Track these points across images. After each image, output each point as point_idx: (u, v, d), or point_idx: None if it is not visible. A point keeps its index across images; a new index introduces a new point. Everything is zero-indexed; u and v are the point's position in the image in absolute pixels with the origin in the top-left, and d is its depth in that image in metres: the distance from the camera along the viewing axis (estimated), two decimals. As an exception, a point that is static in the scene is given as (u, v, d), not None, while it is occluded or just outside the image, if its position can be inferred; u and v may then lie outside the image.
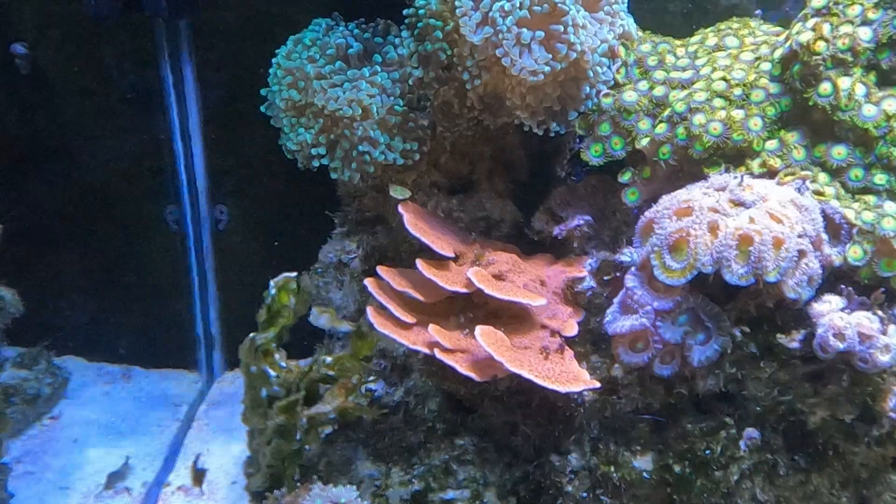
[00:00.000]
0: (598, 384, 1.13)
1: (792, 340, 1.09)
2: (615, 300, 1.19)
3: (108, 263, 1.93)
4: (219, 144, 1.83)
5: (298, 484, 1.32)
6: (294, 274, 1.45)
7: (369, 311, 1.22)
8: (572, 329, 1.22)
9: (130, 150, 1.83)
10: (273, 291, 1.39)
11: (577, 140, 1.49)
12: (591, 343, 1.29)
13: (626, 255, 1.22)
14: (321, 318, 1.43)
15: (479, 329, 1.13)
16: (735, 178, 1.10)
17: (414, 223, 1.28)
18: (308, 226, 1.69)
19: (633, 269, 1.13)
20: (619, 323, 1.12)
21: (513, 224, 1.47)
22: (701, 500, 1.21)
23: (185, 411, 1.86)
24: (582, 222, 1.30)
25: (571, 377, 1.11)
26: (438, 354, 1.13)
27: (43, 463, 1.65)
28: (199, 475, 1.68)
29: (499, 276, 1.25)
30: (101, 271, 1.93)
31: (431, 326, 1.16)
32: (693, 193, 1.12)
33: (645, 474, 1.22)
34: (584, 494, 1.25)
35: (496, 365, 1.14)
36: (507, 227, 1.45)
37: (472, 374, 1.11)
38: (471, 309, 1.27)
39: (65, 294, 1.93)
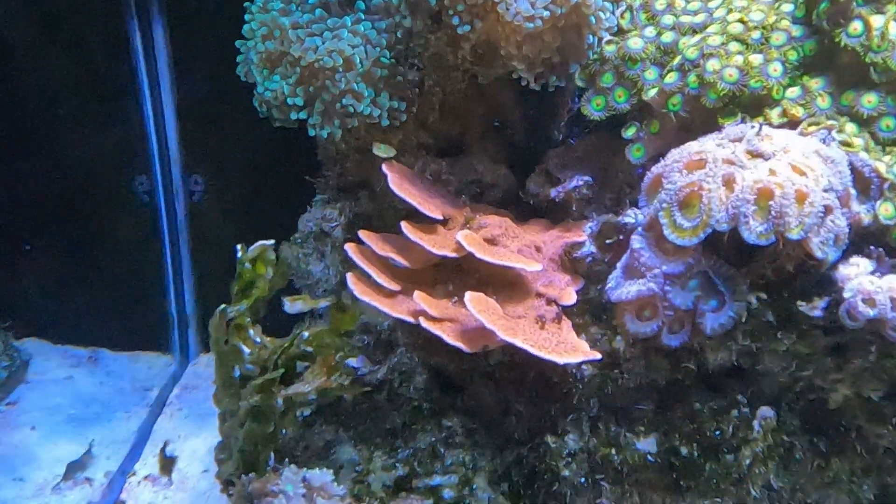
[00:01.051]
0: (598, 355, 1.02)
1: (814, 308, 0.99)
2: (618, 265, 1.08)
3: (73, 238, 1.80)
4: (193, 109, 1.71)
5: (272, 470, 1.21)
6: (271, 242, 1.33)
7: (349, 277, 1.11)
8: (570, 297, 1.12)
9: (95, 115, 1.69)
10: (246, 257, 1.28)
11: (576, 99, 1.38)
12: (591, 314, 1.18)
13: (630, 216, 1.11)
14: (296, 305, 1.31)
15: (468, 295, 1.03)
16: (752, 127, 1.00)
17: (399, 183, 1.17)
18: (290, 197, 1.57)
19: (639, 229, 1.02)
20: (624, 289, 1.02)
21: (506, 189, 1.36)
22: (709, 486, 1.11)
23: (156, 396, 1.74)
24: (581, 183, 1.20)
25: (570, 348, 1.00)
26: (424, 323, 1.02)
27: (-4, 451, 1.54)
28: (167, 463, 1.57)
29: (491, 241, 1.15)
30: (66, 247, 1.80)
31: (417, 293, 1.06)
32: (706, 145, 1.01)
33: (649, 457, 1.12)
34: (583, 480, 1.14)
35: (487, 334, 1.03)
36: (499, 191, 1.35)
37: (461, 345, 1.01)
38: (460, 276, 1.16)
39: (25, 272, 1.80)
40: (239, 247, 1.30)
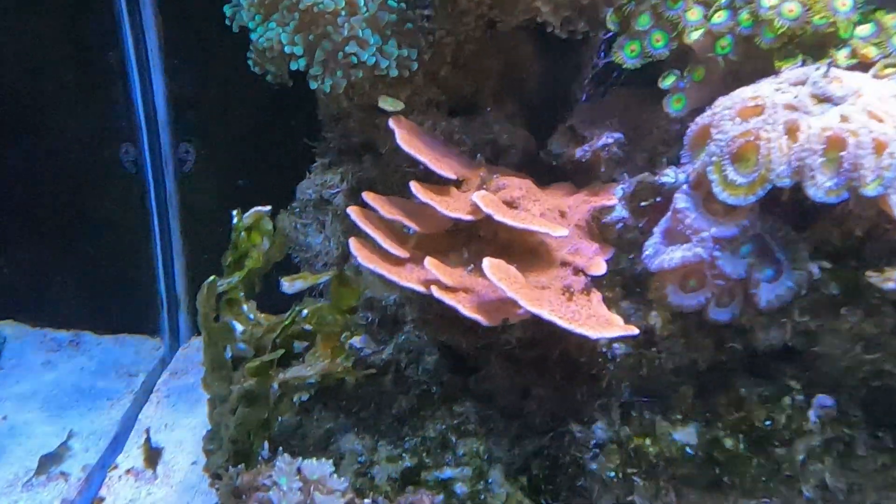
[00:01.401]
0: (635, 330, 0.89)
1: (888, 280, 0.86)
2: (656, 230, 0.95)
3: (52, 213, 1.67)
4: (182, 72, 1.57)
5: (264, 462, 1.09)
6: (267, 208, 1.20)
7: (352, 243, 0.99)
8: (599, 267, 0.99)
9: (77, 79, 1.56)
10: (241, 225, 1.15)
11: (602, 53, 1.25)
12: (622, 287, 1.05)
13: (669, 175, 0.98)
14: (296, 284, 1.18)
15: (487, 261, 0.90)
16: (817, 68, 0.87)
17: (408, 140, 1.04)
18: (287, 164, 1.44)
19: (683, 187, 0.89)
20: (665, 255, 0.89)
21: (524, 151, 1.23)
22: (757, 483, 0.98)
23: (142, 382, 1.62)
24: (611, 141, 1.07)
25: (603, 321, 0.88)
26: (437, 293, 0.90)
27: (-40, 445, 1.41)
28: (152, 455, 1.44)
29: (510, 204, 1.02)
30: (45, 222, 1.67)
31: (428, 260, 0.93)
32: (762, 89, 0.88)
33: (688, 450, 0.99)
34: (612, 474, 1.01)
35: (508, 304, 0.90)
36: (517, 154, 1.22)
37: (479, 317, 0.88)
38: (476, 244, 1.03)
39: (5, 254, 1.67)
40: (235, 213, 1.17)
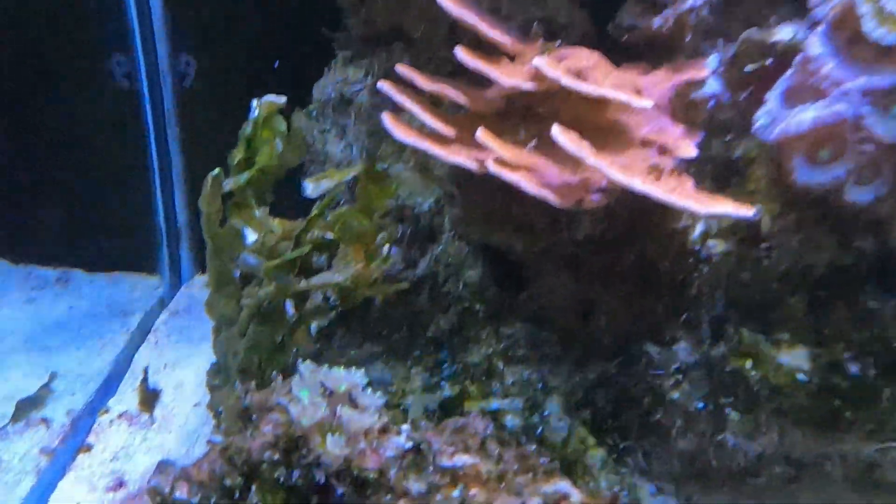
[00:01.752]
0: (751, 210, 0.70)
1: None
2: (772, 94, 0.75)
3: (35, 135, 1.47)
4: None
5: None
6: (282, 99, 1.02)
7: (386, 117, 0.80)
8: (689, 149, 0.80)
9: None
10: (261, 114, 0.96)
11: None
12: (713, 178, 0.86)
13: (785, 31, 0.79)
14: (322, 185, 0.99)
15: (556, 127, 0.72)
16: None
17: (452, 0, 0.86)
18: (303, 72, 1.25)
19: (822, 27, 0.70)
20: (792, 119, 0.70)
21: (584, 34, 1.03)
22: (888, 423, 0.79)
23: (139, 321, 1.43)
24: (700, 2, 0.88)
25: (707, 198, 0.69)
26: (495, 168, 0.71)
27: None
28: (149, 398, 1.27)
29: (577, 75, 0.83)
30: (27, 147, 1.48)
31: (482, 131, 0.75)
32: None
33: (801, 376, 0.81)
34: (701, 405, 0.83)
35: (583, 182, 0.72)
36: (576, 35, 1.02)
37: (548, 195, 0.70)
38: (532, 124, 0.84)
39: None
40: (255, 102, 0.98)
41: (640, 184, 0.66)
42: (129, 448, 1.15)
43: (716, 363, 0.82)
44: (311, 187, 0.98)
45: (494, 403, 0.90)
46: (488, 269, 0.95)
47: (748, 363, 0.80)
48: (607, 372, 0.88)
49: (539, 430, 0.84)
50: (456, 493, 0.63)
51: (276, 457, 0.62)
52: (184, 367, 1.32)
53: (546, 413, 0.88)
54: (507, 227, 0.84)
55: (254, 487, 0.63)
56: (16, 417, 1.18)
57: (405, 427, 0.71)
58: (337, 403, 0.64)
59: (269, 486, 0.63)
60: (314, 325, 1.07)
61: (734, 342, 0.80)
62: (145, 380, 1.27)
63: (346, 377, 0.64)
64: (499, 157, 0.72)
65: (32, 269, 1.56)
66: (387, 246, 0.92)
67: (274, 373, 0.96)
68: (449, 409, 0.89)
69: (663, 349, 0.83)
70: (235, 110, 1.44)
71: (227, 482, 0.62)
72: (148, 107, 1.45)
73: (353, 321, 1.01)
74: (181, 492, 0.64)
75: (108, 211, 1.53)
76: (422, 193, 1.00)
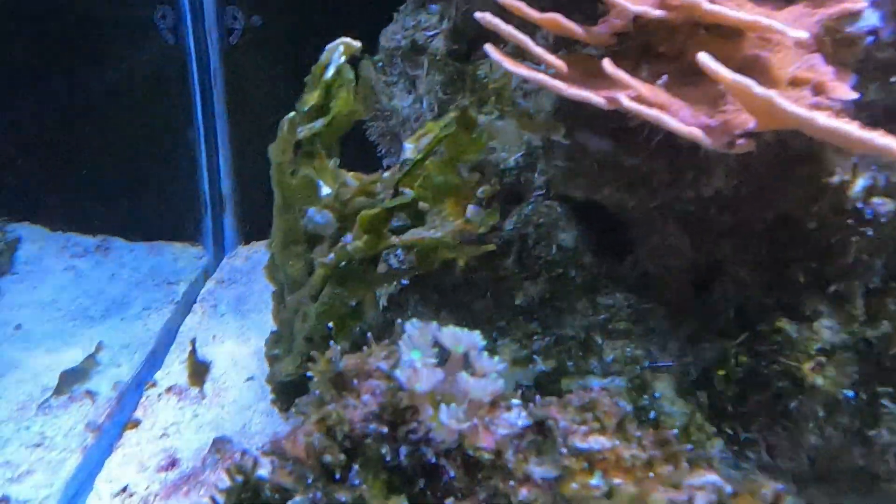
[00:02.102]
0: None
1: None
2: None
3: (75, 95, 1.40)
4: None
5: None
6: (357, 43, 0.92)
7: (488, 48, 0.71)
8: (844, 91, 0.69)
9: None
10: (336, 60, 0.86)
11: None
12: (871, 123, 0.75)
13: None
14: (423, 142, 0.87)
15: (704, 55, 0.61)
16: None
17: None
18: (366, 25, 1.15)
19: None
20: None
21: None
22: None
23: (184, 291, 1.36)
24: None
25: (886, 134, 0.59)
26: (629, 103, 0.61)
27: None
28: (199, 370, 1.19)
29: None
30: (64, 105, 1.39)
31: (607, 62, 0.65)
32: None
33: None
34: (850, 393, 0.72)
35: (727, 119, 0.61)
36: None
37: (699, 135, 0.59)
38: (653, 64, 0.74)
39: (15, 140, 1.40)
40: (329, 46, 0.88)
41: (822, 119, 0.55)
42: (179, 424, 1.07)
43: (872, 345, 0.71)
44: (410, 147, 0.88)
45: (594, 382, 0.81)
46: (585, 231, 0.85)
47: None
48: (729, 351, 0.78)
49: (652, 414, 0.75)
50: (595, 480, 0.53)
51: (384, 429, 0.53)
52: (233, 338, 1.25)
53: (657, 395, 0.78)
54: (619, 180, 0.74)
55: (356, 466, 0.54)
56: (59, 390, 1.11)
57: (515, 401, 0.62)
58: (454, 368, 0.55)
59: (373, 466, 0.54)
60: (381, 293, 0.99)
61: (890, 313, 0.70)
62: (194, 352, 1.20)
63: (465, 337, 0.55)
64: (633, 90, 0.62)
65: (71, 236, 1.50)
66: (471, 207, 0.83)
67: (347, 344, 0.88)
68: (545, 386, 0.79)
69: (803, 326, 0.73)
70: (284, 66, 1.37)
71: (327, 459, 0.53)
72: (194, 64, 1.37)
73: (428, 288, 0.91)
74: (270, 470, 0.55)
75: (150, 176, 1.45)
76: (507, 148, 0.90)
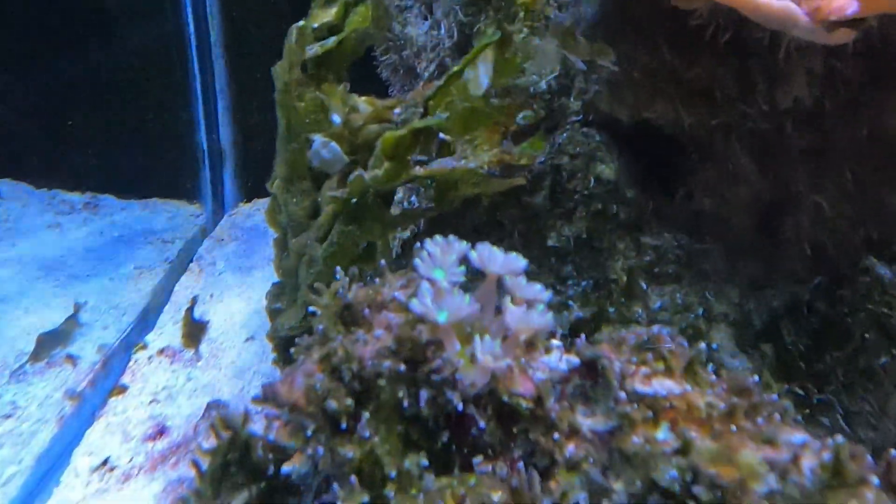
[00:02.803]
0: None
1: None
2: None
3: (60, 40, 1.29)
4: None
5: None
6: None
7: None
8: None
9: None
10: None
11: None
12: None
13: None
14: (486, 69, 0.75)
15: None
16: None
17: None
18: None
19: None
20: None
21: None
22: None
23: (179, 250, 1.26)
24: None
25: None
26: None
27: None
28: (195, 330, 1.09)
29: None
30: (49, 54, 1.28)
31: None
32: None
33: None
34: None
35: (818, 6, 0.51)
36: None
37: (793, 10, 0.48)
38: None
39: None
40: None
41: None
42: (170, 389, 0.97)
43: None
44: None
45: (639, 328, 0.70)
46: (628, 162, 0.74)
47: None
48: (801, 297, 0.67)
49: (711, 368, 0.64)
50: (662, 434, 0.43)
51: (401, 367, 0.43)
52: (232, 297, 1.15)
53: (715, 346, 0.67)
54: (674, 93, 0.63)
55: (366, 414, 0.43)
56: (36, 355, 1.00)
57: (555, 342, 0.51)
58: (488, 294, 0.44)
59: (388, 414, 0.43)
60: (395, 238, 0.88)
61: None
62: (191, 310, 1.10)
63: (502, 257, 0.44)
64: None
65: (56, 192, 1.40)
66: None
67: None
68: (583, 329, 0.68)
69: (889, 265, 0.62)
70: (286, 9, 1.26)
71: (332, 406, 0.43)
72: (188, 8, 1.26)
73: (447, 230, 0.81)
74: (261, 424, 0.45)
75: (143, 129, 1.35)
76: (540, 70, 0.79)
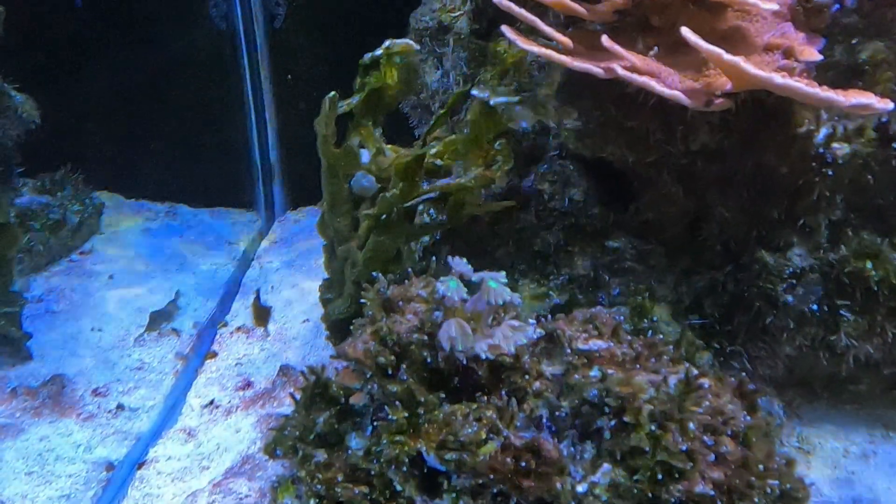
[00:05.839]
0: (889, 103, 0.70)
1: None
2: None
3: (142, 78, 1.57)
4: None
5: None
6: (416, 46, 1.03)
7: (505, 28, 0.83)
8: (812, 53, 0.79)
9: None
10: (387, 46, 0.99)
11: None
12: (832, 85, 0.86)
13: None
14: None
15: (686, 29, 0.73)
16: None
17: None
18: (395, 11, 1.29)
19: None
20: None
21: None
22: None
23: (243, 250, 1.55)
24: None
25: (845, 91, 0.69)
26: (622, 72, 0.73)
27: (70, 301, 1.37)
28: (262, 313, 1.37)
29: (695, -19, 0.83)
30: (134, 88, 1.58)
31: (606, 38, 0.76)
32: None
33: (918, 276, 0.82)
34: (815, 307, 0.85)
35: (710, 82, 0.73)
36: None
37: (681, 96, 0.71)
38: (648, 36, 0.86)
39: (92, 117, 1.60)
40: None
41: (779, 79, 0.66)
42: (250, 355, 1.26)
43: (830, 266, 0.83)
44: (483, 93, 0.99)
45: (602, 311, 0.94)
46: (593, 186, 0.98)
47: (868, 264, 0.81)
48: (716, 280, 0.91)
49: (650, 333, 0.88)
50: (593, 372, 0.67)
51: (425, 337, 0.68)
52: (289, 288, 1.43)
53: (654, 318, 0.91)
54: (620, 139, 0.87)
55: (403, 366, 0.69)
56: (150, 328, 1.32)
57: (531, 321, 0.76)
58: (479, 295, 0.69)
59: (417, 366, 0.69)
60: (418, 245, 1.14)
61: (854, 245, 0.81)
62: (258, 298, 1.38)
63: (487, 273, 0.69)
64: (627, 61, 0.74)
65: (143, 203, 1.70)
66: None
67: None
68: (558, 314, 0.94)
69: (778, 255, 0.85)
70: (324, 48, 1.51)
71: (381, 360, 0.69)
72: (243, 47, 1.52)
73: (458, 239, 1.06)
74: (333, 372, 0.71)
75: (209, 149, 1.63)
76: (518, 124, 1.02)
